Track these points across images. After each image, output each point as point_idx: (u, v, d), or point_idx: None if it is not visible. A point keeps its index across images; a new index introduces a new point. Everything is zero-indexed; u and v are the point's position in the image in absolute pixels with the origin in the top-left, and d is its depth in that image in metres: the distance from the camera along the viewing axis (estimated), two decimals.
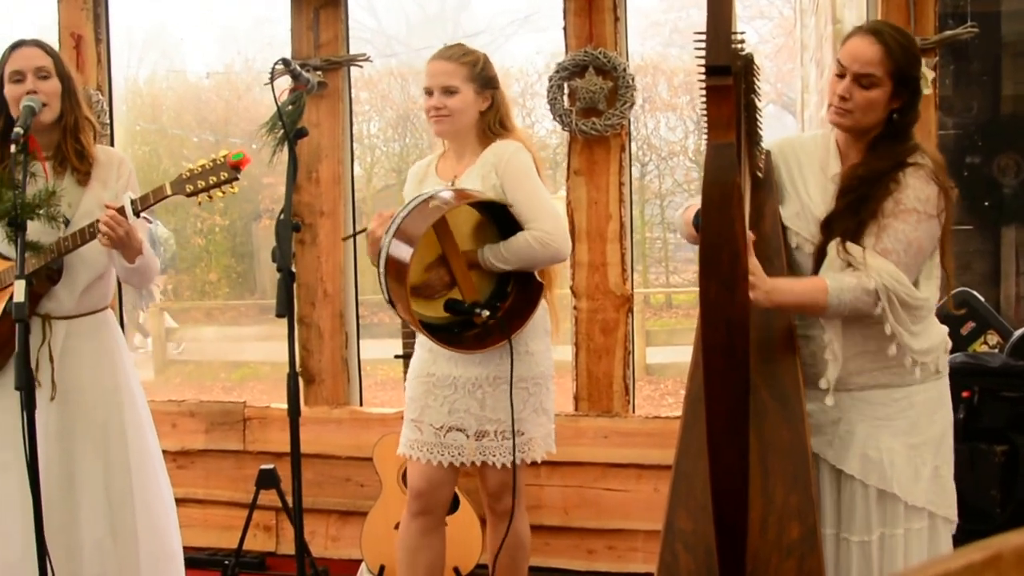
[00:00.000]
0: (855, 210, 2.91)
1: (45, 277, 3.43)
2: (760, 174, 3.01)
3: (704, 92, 2.37)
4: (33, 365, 3.39)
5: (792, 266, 3.00)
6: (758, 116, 2.81)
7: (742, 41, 2.49)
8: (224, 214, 13.84)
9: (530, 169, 3.54)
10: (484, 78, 3.63)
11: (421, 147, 13.79)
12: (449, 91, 3.58)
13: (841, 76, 2.92)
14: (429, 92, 3.62)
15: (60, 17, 5.47)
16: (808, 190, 3.04)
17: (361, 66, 5.11)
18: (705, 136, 2.45)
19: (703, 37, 2.32)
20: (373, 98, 14.50)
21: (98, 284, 3.60)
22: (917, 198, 2.88)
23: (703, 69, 2.33)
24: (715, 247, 2.36)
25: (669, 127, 14.75)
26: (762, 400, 2.78)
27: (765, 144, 3.03)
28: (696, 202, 3.23)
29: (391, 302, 3.46)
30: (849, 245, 2.86)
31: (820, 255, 2.95)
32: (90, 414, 3.55)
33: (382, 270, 3.41)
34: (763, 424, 2.76)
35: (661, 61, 14.81)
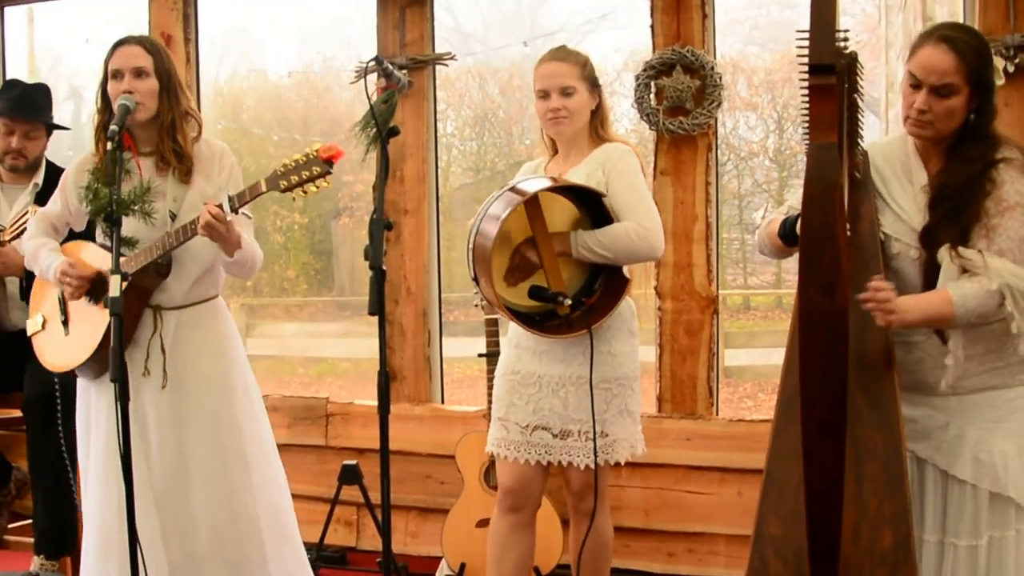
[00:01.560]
0: (955, 218, 2.85)
1: (154, 272, 3.49)
2: (859, 175, 2.95)
3: (807, 91, 2.34)
4: (144, 356, 3.52)
5: (888, 271, 2.94)
6: (860, 116, 2.77)
7: (846, 39, 2.45)
8: (303, 212, 13.97)
9: (638, 170, 3.56)
10: (592, 78, 3.65)
11: (499, 146, 13.80)
12: (566, 92, 3.58)
13: (915, 87, 2.86)
14: (544, 95, 3.61)
15: (151, 17, 5.56)
16: (896, 199, 2.99)
17: (447, 65, 5.13)
18: (806, 135, 2.42)
19: (806, 35, 2.29)
20: (450, 96, 14.54)
21: (207, 275, 3.65)
22: (1018, 191, 2.83)
23: (806, 67, 2.30)
24: (815, 249, 2.33)
25: (749, 127, 14.62)
26: (856, 404, 2.73)
27: None
28: (777, 216, 3.19)
29: (475, 279, 3.47)
30: (962, 250, 2.80)
31: (927, 267, 2.89)
32: (201, 401, 3.60)
33: (470, 246, 3.43)
34: (857, 429, 2.71)
35: (741, 59, 14.67)
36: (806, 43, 2.30)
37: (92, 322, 3.56)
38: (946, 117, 2.85)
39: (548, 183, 3.45)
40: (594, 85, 3.65)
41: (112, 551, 3.50)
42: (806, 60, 2.31)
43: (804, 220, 2.32)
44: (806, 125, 2.41)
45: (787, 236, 3.03)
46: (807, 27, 2.30)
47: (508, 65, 14.31)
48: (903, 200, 2.98)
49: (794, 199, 3.18)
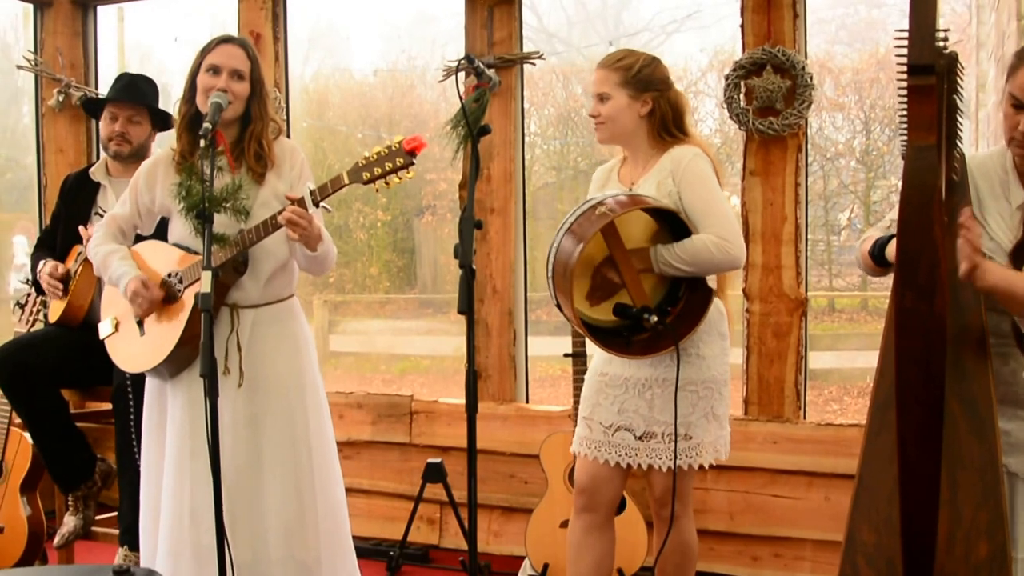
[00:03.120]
0: None
1: (232, 269, 3.50)
2: (956, 177, 2.89)
3: (905, 91, 2.30)
4: (222, 354, 3.50)
5: None
6: (959, 117, 2.71)
7: (946, 39, 2.40)
8: (386, 209, 14.05)
9: (708, 175, 3.45)
10: (640, 81, 3.52)
11: (582, 145, 13.77)
12: (601, 98, 3.55)
13: (1017, 107, 2.79)
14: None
15: (240, 16, 5.63)
16: (989, 217, 2.92)
17: (534, 64, 5.12)
18: (903, 137, 2.38)
19: (905, 34, 2.25)
20: (533, 95, 14.50)
21: (281, 273, 3.66)
22: None
23: (905, 67, 2.26)
24: (913, 253, 2.29)
25: (835, 127, 14.42)
26: (951, 411, 2.68)
27: None
28: (874, 233, 3.13)
29: (558, 306, 3.44)
30: None
31: None
32: (277, 400, 3.61)
33: (549, 273, 3.40)
34: (951, 436, 2.65)
35: (827, 59, 14.47)
36: (905, 42, 2.25)
37: (167, 322, 3.59)
38: None
39: (622, 207, 3.35)
40: (643, 89, 3.53)
41: (184, 551, 3.52)
42: (905, 60, 2.26)
43: (901, 223, 2.28)
44: (904, 127, 2.37)
45: (877, 257, 2.98)
46: (906, 26, 2.26)
47: (591, 64, 14.24)
48: (996, 219, 2.91)
49: (895, 212, 3.13)
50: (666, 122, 3.55)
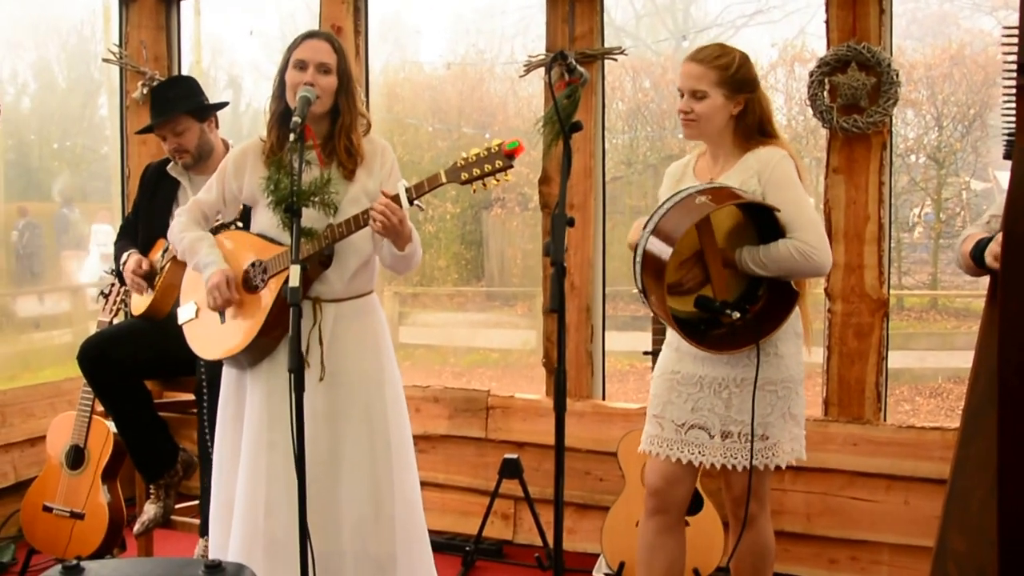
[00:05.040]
0: None
1: (317, 262, 3.51)
2: None
3: (1013, 92, 2.26)
4: (304, 347, 3.47)
5: None
6: None
7: None
8: (455, 202, 14.10)
9: (796, 179, 3.40)
10: (737, 81, 3.46)
11: (651, 139, 13.73)
12: (697, 95, 3.47)
13: None
14: (681, 93, 3.53)
15: (321, 10, 5.64)
16: None
17: (615, 59, 5.09)
18: (1006, 137, 2.34)
19: (1014, 32, 2.21)
20: None
21: (364, 269, 3.67)
22: None
23: (1012, 68, 2.22)
24: (1019, 256, 2.24)
25: (905, 122, 14.25)
26: None
27: None
28: (974, 231, 3.07)
29: (643, 293, 3.41)
30: None
31: None
32: (356, 395, 3.62)
33: (638, 261, 3.36)
34: None
35: (898, 54, 14.27)
36: (1014, 41, 2.21)
37: (248, 311, 3.60)
38: None
39: (719, 201, 3.29)
40: (738, 89, 3.46)
41: (257, 544, 3.54)
42: (1013, 60, 2.22)
43: (1007, 226, 2.24)
44: (1008, 127, 2.33)
45: (978, 259, 2.93)
46: (1014, 24, 2.22)
47: (661, 59, 14.20)
48: None
49: (996, 207, 3.07)
50: (756, 121, 3.50)
